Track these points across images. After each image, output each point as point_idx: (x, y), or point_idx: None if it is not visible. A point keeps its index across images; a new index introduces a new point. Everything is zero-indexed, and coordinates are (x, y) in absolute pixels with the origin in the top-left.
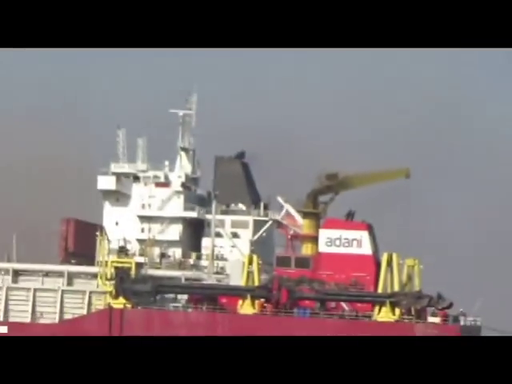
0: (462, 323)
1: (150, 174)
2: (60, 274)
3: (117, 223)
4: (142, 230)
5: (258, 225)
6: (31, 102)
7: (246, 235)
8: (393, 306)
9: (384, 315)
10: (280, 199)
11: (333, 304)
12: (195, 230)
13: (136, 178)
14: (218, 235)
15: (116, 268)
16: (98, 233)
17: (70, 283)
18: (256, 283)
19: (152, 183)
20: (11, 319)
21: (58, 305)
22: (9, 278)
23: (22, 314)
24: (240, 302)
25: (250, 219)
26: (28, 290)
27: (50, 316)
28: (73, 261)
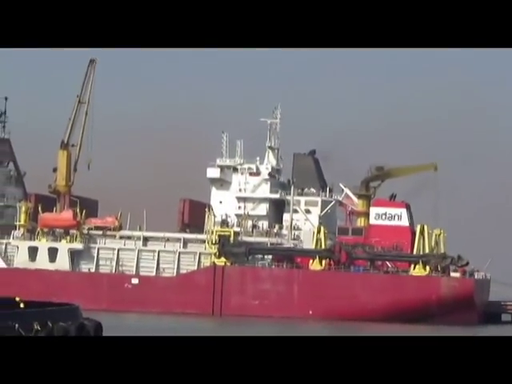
0: (475, 277)
1: (246, 166)
2: (178, 240)
3: (220, 202)
4: (239, 208)
5: (324, 204)
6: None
7: (316, 211)
8: (424, 264)
9: (417, 271)
10: (341, 185)
11: (379, 263)
12: (278, 208)
13: (235, 169)
14: (295, 211)
15: (219, 235)
16: (206, 209)
17: (185, 246)
18: (323, 247)
19: (247, 173)
20: (141, 273)
21: (176, 263)
22: (140, 242)
23: (149, 270)
24: (311, 261)
25: (318, 200)
26: (154, 251)
27: (169, 271)
28: (187, 230)
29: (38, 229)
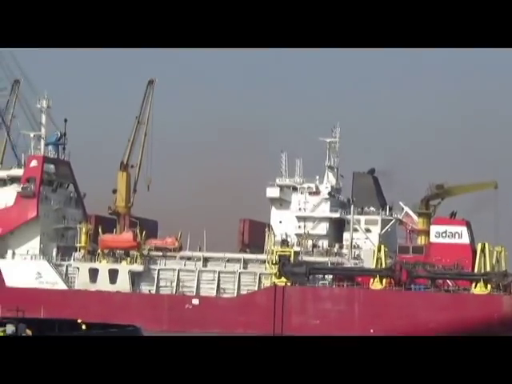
0: None
1: (305, 185)
2: (238, 260)
3: (280, 222)
4: (299, 227)
5: (384, 222)
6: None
7: (376, 230)
8: (485, 282)
9: (479, 289)
10: (401, 203)
11: (440, 281)
12: (338, 227)
13: (294, 189)
14: (355, 230)
15: (279, 255)
16: (266, 229)
17: (245, 267)
18: (383, 266)
19: (306, 192)
20: (202, 294)
21: (236, 283)
22: (200, 263)
23: (209, 290)
24: (371, 280)
25: (378, 218)
26: (214, 272)
27: (230, 291)
28: (247, 250)
29: (99, 250)
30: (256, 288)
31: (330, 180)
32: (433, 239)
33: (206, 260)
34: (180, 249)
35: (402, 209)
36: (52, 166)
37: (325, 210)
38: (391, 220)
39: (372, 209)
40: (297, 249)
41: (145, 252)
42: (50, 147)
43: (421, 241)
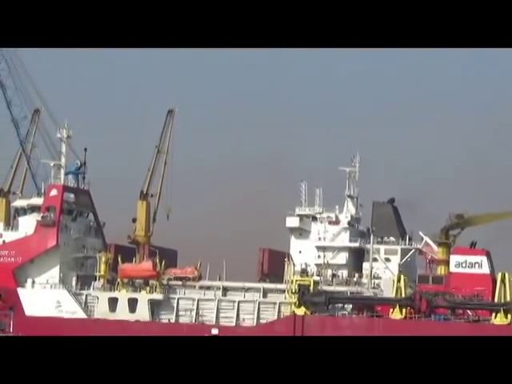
0: None
1: (325, 215)
2: (257, 290)
3: (300, 251)
4: (319, 257)
5: (404, 252)
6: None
7: (396, 260)
8: (506, 312)
9: (499, 319)
10: (421, 233)
11: (461, 311)
12: (358, 256)
13: (314, 218)
14: (375, 260)
15: (299, 285)
16: (285, 259)
17: (264, 296)
18: (403, 295)
19: (326, 222)
20: (221, 323)
21: (256, 312)
22: (219, 292)
23: (229, 320)
24: (391, 309)
25: (398, 248)
26: (234, 301)
27: (249, 321)
28: (267, 280)
29: (118, 279)
30: (275, 317)
31: (349, 209)
32: (453, 269)
33: (225, 289)
34: (199, 278)
35: (422, 238)
36: (72, 195)
37: (344, 240)
38: (411, 250)
39: (392, 238)
40: (316, 278)
41: (164, 281)
42: (70, 176)
43: (440, 271)
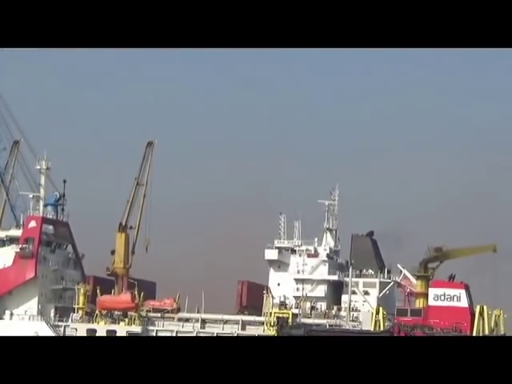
0: None
1: (304, 247)
2: (236, 322)
3: (278, 284)
4: (297, 289)
5: (382, 285)
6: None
7: (374, 293)
8: None
9: None
10: (399, 265)
11: None
12: (336, 289)
13: (293, 251)
14: (354, 293)
15: (278, 317)
16: (264, 291)
17: (243, 328)
18: (382, 328)
19: (305, 254)
20: None
21: None
22: (198, 324)
23: None
24: None
25: (377, 281)
26: (212, 334)
27: None
28: (246, 312)
29: (97, 311)
30: None
31: (328, 242)
32: (431, 302)
33: (204, 322)
34: (178, 310)
35: (401, 271)
36: (51, 227)
37: (323, 273)
38: (389, 283)
39: (370, 271)
40: (295, 311)
41: (143, 313)
42: (49, 208)
43: (419, 303)
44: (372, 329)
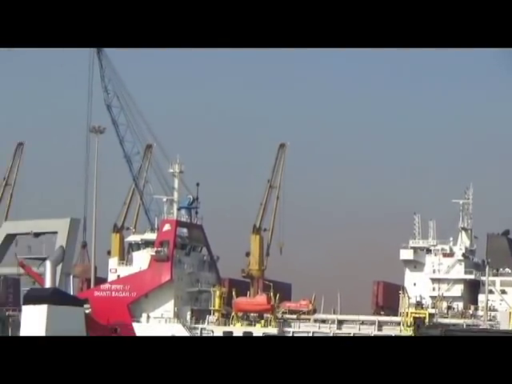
0: None
1: (439, 247)
2: (372, 323)
3: (414, 284)
4: (433, 289)
5: None
6: None
7: None
8: None
9: None
10: None
11: None
12: (473, 288)
13: (428, 251)
14: (491, 292)
15: (414, 317)
16: (400, 291)
17: (379, 329)
18: None
19: (440, 254)
20: None
21: None
22: (334, 325)
23: None
24: None
25: None
26: (349, 334)
27: None
28: (382, 312)
29: (233, 313)
30: None
31: (463, 241)
32: None
33: (340, 322)
34: (314, 311)
35: None
36: (185, 230)
37: (459, 272)
38: None
39: (507, 270)
40: (432, 311)
41: (279, 315)
42: (183, 211)
43: None
44: (510, 328)
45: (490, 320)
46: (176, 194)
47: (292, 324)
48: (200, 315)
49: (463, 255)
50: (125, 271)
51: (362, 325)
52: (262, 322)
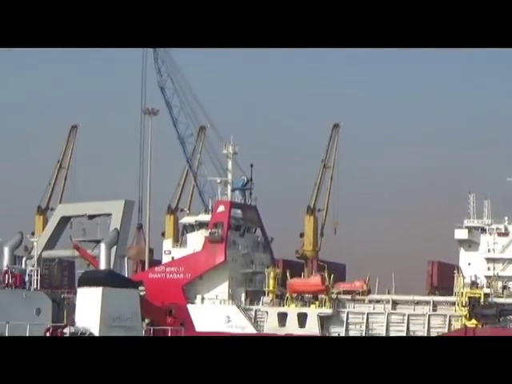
0: None
1: (494, 226)
2: (427, 303)
3: (469, 264)
4: (488, 269)
5: None
6: None
7: None
8: None
9: None
10: None
11: None
12: None
13: (483, 230)
14: None
15: (469, 297)
16: (455, 271)
17: (434, 309)
18: None
19: (495, 233)
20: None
21: (426, 325)
22: (389, 306)
23: (398, 333)
24: None
25: None
26: (403, 315)
27: (419, 334)
28: (436, 292)
29: (287, 294)
30: (446, 330)
31: None
32: None
33: (394, 303)
34: (369, 292)
35: None
36: (239, 211)
37: None
38: None
39: None
40: (487, 290)
41: (333, 296)
42: (237, 192)
43: None
44: None
45: None
46: (230, 176)
47: (347, 304)
48: (254, 296)
49: None
50: (179, 253)
51: (416, 305)
52: (317, 302)
